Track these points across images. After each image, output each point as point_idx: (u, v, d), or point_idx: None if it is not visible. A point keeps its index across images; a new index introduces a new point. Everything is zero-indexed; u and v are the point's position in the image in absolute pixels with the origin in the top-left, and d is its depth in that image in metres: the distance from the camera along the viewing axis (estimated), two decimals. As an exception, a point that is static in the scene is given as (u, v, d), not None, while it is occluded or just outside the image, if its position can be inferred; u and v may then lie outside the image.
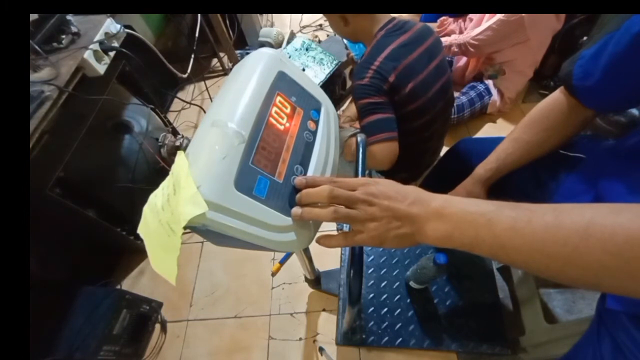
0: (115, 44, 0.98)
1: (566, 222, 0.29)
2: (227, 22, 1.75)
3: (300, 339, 1.05)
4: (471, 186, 0.66)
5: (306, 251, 0.76)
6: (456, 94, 1.43)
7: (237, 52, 1.85)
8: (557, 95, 0.56)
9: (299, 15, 2.16)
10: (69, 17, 0.92)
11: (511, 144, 0.62)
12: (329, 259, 1.05)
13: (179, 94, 1.82)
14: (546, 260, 0.30)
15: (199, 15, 1.55)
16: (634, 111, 0.67)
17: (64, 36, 0.89)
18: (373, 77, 0.74)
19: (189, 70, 1.44)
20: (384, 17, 0.80)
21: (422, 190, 0.37)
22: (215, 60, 1.90)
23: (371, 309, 0.84)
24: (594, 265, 0.27)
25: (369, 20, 0.80)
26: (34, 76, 0.82)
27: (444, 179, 0.84)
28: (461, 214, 0.33)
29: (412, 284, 0.83)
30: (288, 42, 1.61)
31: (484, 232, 0.32)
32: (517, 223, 0.31)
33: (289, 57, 1.43)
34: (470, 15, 1.42)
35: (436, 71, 0.81)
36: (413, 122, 0.82)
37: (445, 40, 1.35)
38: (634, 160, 0.47)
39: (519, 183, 0.66)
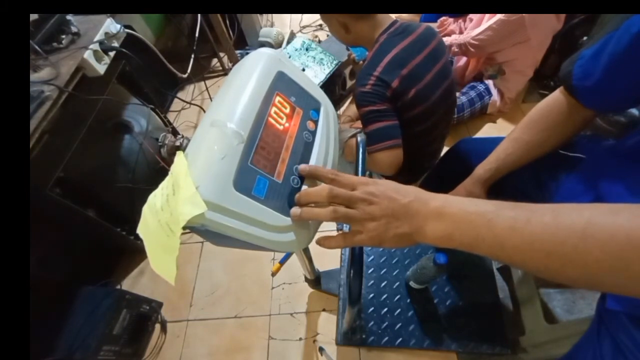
0: (115, 44, 0.98)
1: (565, 222, 0.29)
2: (227, 22, 1.75)
3: (300, 339, 1.05)
4: (471, 186, 0.66)
5: (306, 251, 0.76)
6: (456, 94, 1.43)
7: (237, 52, 1.85)
8: (557, 96, 0.56)
9: (299, 15, 2.16)
10: (69, 17, 0.92)
11: (511, 144, 0.62)
12: (329, 259, 1.04)
13: (179, 94, 1.82)
14: (545, 260, 0.30)
15: (199, 15, 1.55)
16: (634, 111, 0.67)
17: (64, 36, 0.89)
18: (375, 84, 0.72)
19: (189, 70, 1.44)
20: (385, 21, 0.78)
21: (421, 190, 0.37)
22: (215, 60, 1.90)
23: (371, 309, 0.83)
24: (593, 264, 0.28)
25: (370, 26, 0.78)
26: (34, 76, 0.82)
27: (443, 179, 0.84)
28: (461, 214, 0.33)
29: (412, 284, 0.83)
30: (288, 42, 1.61)
31: (483, 232, 0.32)
32: (516, 223, 0.31)
33: (289, 57, 1.43)
34: (471, 15, 1.42)
35: (439, 75, 0.79)
36: (416, 126, 0.81)
37: (445, 41, 1.34)
38: (634, 160, 0.47)
39: (519, 183, 0.66)
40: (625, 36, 0.40)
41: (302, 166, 0.42)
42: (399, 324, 0.81)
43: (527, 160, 0.61)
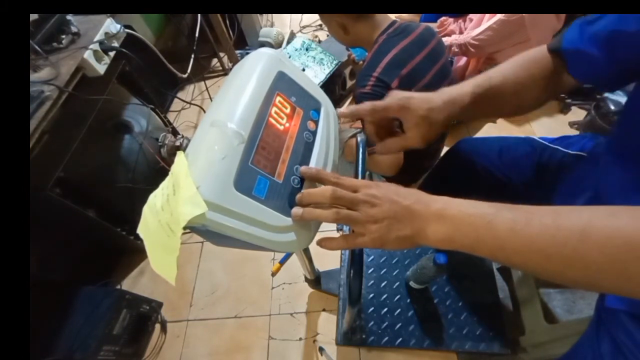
0: (115, 44, 0.98)
1: (564, 223, 0.29)
2: (227, 22, 1.75)
3: (300, 339, 1.05)
4: (445, 105, 0.50)
5: (306, 251, 0.76)
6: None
7: (237, 52, 1.85)
8: (543, 52, 0.53)
9: (299, 15, 2.16)
10: (69, 17, 0.92)
11: (494, 73, 0.55)
12: (329, 259, 1.04)
13: (179, 94, 1.82)
14: (544, 262, 0.30)
15: (199, 15, 1.55)
16: (634, 111, 0.66)
17: (64, 36, 0.89)
18: (375, 85, 0.72)
19: (189, 70, 1.44)
20: (384, 22, 0.78)
21: (422, 193, 0.37)
22: (215, 60, 1.90)
23: (371, 309, 0.84)
24: (591, 266, 0.28)
25: (369, 27, 0.78)
26: (34, 76, 0.82)
27: (444, 179, 0.84)
28: (461, 216, 0.34)
29: (412, 284, 0.83)
30: (288, 42, 1.62)
31: (483, 234, 0.32)
32: (516, 224, 0.31)
33: (289, 57, 1.43)
34: (471, 16, 1.42)
35: (439, 75, 0.79)
36: None
37: (445, 41, 1.34)
38: (634, 160, 0.47)
39: (519, 182, 0.66)
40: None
41: (304, 168, 0.42)
42: (399, 324, 0.81)
43: (507, 95, 0.53)
